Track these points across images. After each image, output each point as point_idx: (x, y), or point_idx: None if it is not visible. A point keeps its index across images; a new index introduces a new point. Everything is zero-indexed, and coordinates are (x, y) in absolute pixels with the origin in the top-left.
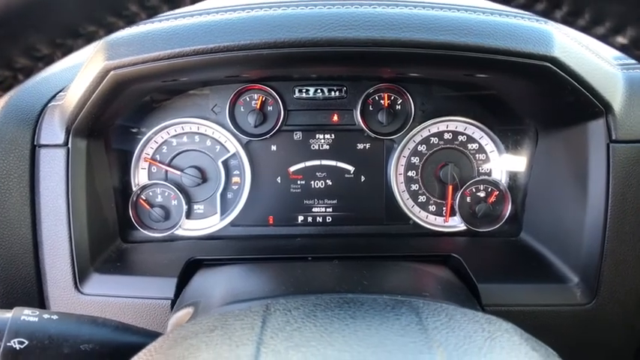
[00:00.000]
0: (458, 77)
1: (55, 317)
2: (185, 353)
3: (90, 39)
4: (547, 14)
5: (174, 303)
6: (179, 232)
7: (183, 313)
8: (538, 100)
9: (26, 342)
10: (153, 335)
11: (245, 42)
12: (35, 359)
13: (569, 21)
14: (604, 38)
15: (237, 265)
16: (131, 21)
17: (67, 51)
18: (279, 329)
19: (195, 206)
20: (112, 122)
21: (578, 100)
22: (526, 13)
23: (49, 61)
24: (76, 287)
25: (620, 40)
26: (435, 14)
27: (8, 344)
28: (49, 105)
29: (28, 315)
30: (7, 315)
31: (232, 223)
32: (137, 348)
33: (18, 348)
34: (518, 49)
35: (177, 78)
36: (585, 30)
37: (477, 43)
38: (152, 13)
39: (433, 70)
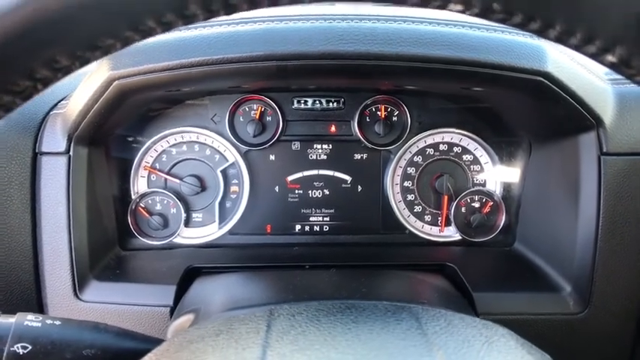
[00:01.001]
0: (454, 90)
1: (57, 323)
2: (191, 357)
3: (107, 51)
4: (541, 33)
5: (173, 310)
6: (177, 240)
7: (184, 320)
8: (531, 113)
9: (29, 347)
10: (153, 341)
11: (248, 54)
12: None
13: (562, 40)
14: (595, 56)
15: (236, 273)
16: (147, 35)
17: (85, 62)
18: (284, 333)
19: (194, 214)
20: (113, 131)
21: (570, 114)
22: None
23: (67, 71)
24: (75, 294)
25: (610, 58)
26: (433, 29)
27: (12, 349)
28: (51, 113)
29: (31, 320)
30: (11, 320)
31: (230, 232)
32: (138, 354)
33: (21, 353)
34: (512, 64)
35: (179, 88)
36: (577, 48)
37: (472, 57)
38: (167, 28)
39: (430, 83)
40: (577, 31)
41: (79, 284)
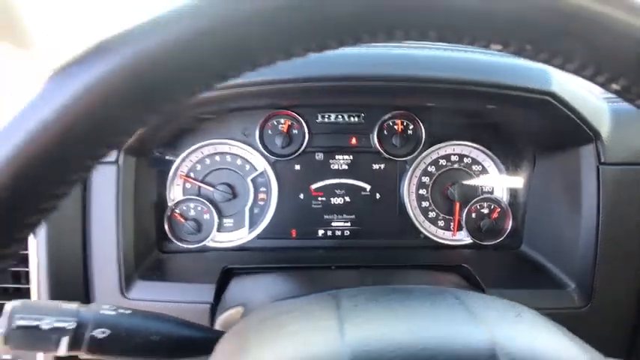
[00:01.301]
0: (467, 107)
1: (128, 312)
2: (271, 329)
3: (226, 79)
4: (560, 67)
5: (214, 307)
6: (210, 243)
7: (233, 312)
8: (536, 128)
9: (108, 332)
10: (209, 331)
11: (297, 75)
12: (114, 347)
13: (577, 72)
14: (602, 85)
15: (270, 272)
16: (256, 68)
17: (208, 89)
18: (351, 309)
19: (225, 220)
20: (158, 142)
21: (571, 128)
22: None
23: (194, 95)
24: (122, 293)
25: (614, 86)
26: (451, 55)
27: (92, 334)
28: None
29: (106, 309)
30: (89, 309)
31: (259, 236)
32: (196, 341)
33: (100, 337)
34: (522, 85)
35: (228, 105)
36: (588, 79)
37: (486, 80)
38: (270, 63)
39: (449, 101)
40: (590, 67)
41: (125, 284)
